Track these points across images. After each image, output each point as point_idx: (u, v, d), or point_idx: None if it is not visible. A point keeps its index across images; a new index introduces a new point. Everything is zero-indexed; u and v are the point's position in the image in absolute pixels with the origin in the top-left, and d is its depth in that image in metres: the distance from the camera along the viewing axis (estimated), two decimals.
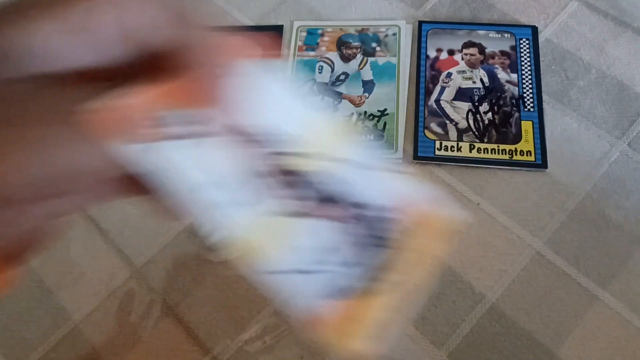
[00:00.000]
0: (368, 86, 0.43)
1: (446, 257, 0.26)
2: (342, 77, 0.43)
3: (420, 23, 0.45)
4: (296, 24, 0.46)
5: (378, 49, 0.44)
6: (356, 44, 0.44)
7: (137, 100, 0.20)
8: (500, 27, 0.44)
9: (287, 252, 0.22)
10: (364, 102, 0.42)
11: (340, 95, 0.42)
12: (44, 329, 0.36)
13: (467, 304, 0.34)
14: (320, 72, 0.44)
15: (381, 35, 0.45)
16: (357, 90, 0.43)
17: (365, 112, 0.41)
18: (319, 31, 0.46)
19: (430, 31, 0.44)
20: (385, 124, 0.41)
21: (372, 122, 0.41)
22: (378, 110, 0.41)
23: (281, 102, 0.24)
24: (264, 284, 0.21)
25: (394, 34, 0.44)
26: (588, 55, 0.42)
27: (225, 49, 0.21)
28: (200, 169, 0.22)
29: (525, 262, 0.35)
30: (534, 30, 0.43)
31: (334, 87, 0.43)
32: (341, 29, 0.45)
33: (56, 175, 0.18)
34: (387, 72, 0.43)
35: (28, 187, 0.18)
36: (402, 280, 0.24)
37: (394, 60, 0.43)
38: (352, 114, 0.41)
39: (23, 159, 0.17)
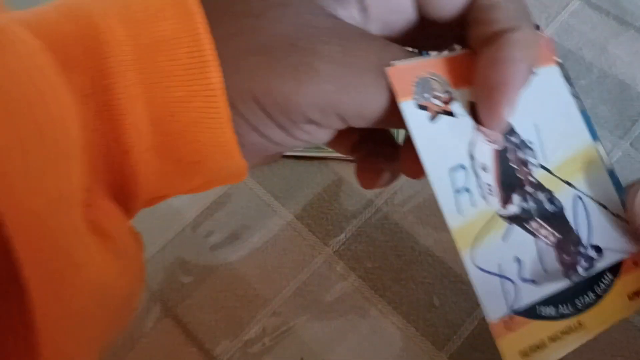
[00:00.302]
0: None
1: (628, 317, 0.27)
2: None
3: None
4: None
5: None
6: None
7: (430, 65, 0.22)
8: None
9: (490, 252, 0.23)
10: None
11: None
12: None
13: (468, 304, 0.34)
14: None
15: None
16: None
17: None
18: None
19: None
20: None
21: None
22: None
23: (553, 113, 0.24)
24: (469, 275, 0.22)
25: None
26: (589, 54, 0.42)
27: (536, 45, 0.22)
28: (465, 151, 0.23)
29: None
30: (536, 29, 0.43)
31: None
32: None
33: (335, 110, 0.20)
34: None
35: (307, 112, 0.20)
36: (587, 324, 0.24)
37: None
38: None
39: (326, 90, 0.19)
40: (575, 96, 0.25)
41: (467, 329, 0.33)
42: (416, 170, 0.22)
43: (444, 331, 0.33)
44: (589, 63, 0.41)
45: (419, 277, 0.35)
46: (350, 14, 0.22)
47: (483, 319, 0.33)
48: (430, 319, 0.34)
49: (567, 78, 0.25)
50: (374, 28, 0.22)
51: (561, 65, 0.25)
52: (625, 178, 0.37)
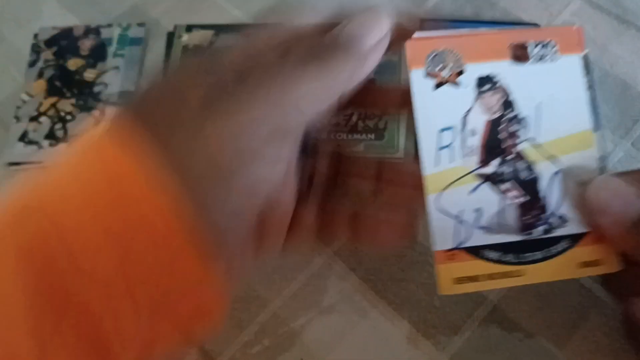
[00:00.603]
0: None
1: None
2: None
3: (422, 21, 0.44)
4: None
5: None
6: None
7: (447, 40, 0.27)
8: (502, 25, 0.43)
9: (454, 199, 0.26)
10: None
11: None
12: None
13: (468, 305, 0.34)
14: None
15: None
16: None
17: (366, 112, 0.41)
18: None
19: None
20: (386, 123, 0.40)
21: (372, 122, 0.41)
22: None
23: (560, 96, 0.27)
24: (429, 214, 0.26)
25: None
26: (591, 54, 0.42)
27: None
28: (459, 117, 0.27)
29: None
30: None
31: None
32: None
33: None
34: (388, 71, 0.42)
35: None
36: (527, 274, 0.27)
37: (394, 58, 0.43)
38: (352, 113, 0.41)
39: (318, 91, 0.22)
40: (590, 86, 0.28)
41: (468, 330, 0.33)
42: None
43: (444, 332, 0.33)
44: (590, 62, 0.41)
45: (420, 277, 0.35)
46: None
47: (484, 320, 0.33)
48: (430, 320, 0.33)
49: (587, 68, 0.28)
50: None
51: (585, 56, 0.27)
52: None
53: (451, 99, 0.26)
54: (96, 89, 0.45)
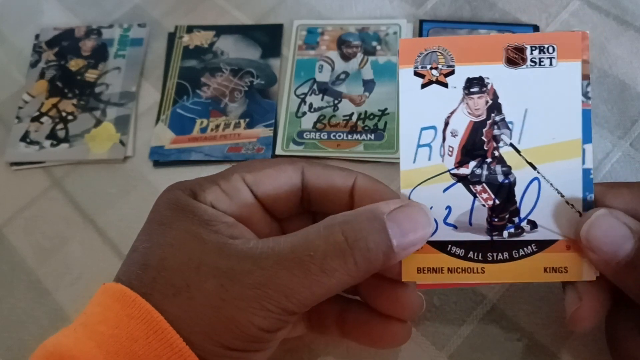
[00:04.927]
0: (369, 85, 0.42)
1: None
2: (343, 76, 0.43)
3: (421, 22, 0.44)
4: (296, 22, 0.46)
5: (379, 48, 0.44)
6: (356, 42, 0.44)
7: (441, 39, 0.27)
8: (501, 25, 0.44)
9: (426, 196, 0.27)
10: (364, 101, 0.42)
11: (340, 95, 0.42)
12: (42, 330, 0.36)
13: (468, 305, 0.34)
14: (320, 72, 0.43)
15: (382, 34, 0.44)
16: (357, 90, 0.42)
17: (366, 112, 0.41)
18: (319, 30, 0.45)
19: (431, 30, 0.44)
20: (385, 123, 0.41)
21: (372, 122, 0.41)
22: (379, 110, 0.41)
23: (552, 103, 0.27)
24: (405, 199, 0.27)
25: (395, 33, 0.44)
26: (590, 54, 0.42)
27: None
28: (442, 117, 0.27)
29: None
30: (536, 29, 0.43)
31: (334, 87, 0.43)
32: (341, 28, 0.45)
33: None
34: (388, 72, 0.43)
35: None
36: (490, 273, 0.27)
37: (394, 59, 0.43)
38: (352, 113, 0.41)
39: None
40: (585, 95, 0.27)
41: (467, 329, 0.33)
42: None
43: (444, 331, 0.33)
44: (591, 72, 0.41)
45: None
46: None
47: (483, 319, 0.33)
48: (430, 319, 0.34)
49: (586, 76, 0.27)
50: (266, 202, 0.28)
51: (585, 63, 0.27)
52: (625, 178, 0.37)
53: (437, 98, 0.27)
54: (97, 89, 0.45)
